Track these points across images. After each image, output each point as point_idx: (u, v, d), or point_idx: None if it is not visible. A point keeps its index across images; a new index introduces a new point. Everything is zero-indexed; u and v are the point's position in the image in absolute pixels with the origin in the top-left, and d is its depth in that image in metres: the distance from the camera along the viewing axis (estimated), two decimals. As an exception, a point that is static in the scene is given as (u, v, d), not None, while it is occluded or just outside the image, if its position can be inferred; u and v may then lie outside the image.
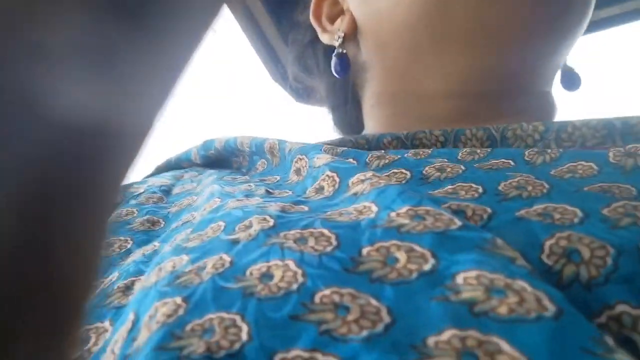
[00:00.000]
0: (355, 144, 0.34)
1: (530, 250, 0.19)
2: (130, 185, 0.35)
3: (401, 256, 0.18)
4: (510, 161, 0.26)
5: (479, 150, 0.27)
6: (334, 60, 0.42)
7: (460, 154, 0.28)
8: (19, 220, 0.07)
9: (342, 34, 0.41)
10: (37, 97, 0.07)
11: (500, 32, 0.32)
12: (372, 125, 0.41)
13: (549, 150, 0.26)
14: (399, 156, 0.29)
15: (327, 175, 0.25)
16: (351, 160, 0.28)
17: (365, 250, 0.19)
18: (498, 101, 0.35)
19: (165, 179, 0.35)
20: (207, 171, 0.35)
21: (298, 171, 0.29)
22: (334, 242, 0.19)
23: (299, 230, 0.20)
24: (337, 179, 0.25)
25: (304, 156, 0.29)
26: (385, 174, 0.27)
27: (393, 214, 0.20)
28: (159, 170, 0.41)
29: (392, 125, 0.38)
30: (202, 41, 0.09)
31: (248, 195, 0.26)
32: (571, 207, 0.20)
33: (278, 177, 0.30)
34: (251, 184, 0.29)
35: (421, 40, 0.35)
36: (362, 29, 0.40)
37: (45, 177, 0.07)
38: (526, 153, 0.26)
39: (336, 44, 0.42)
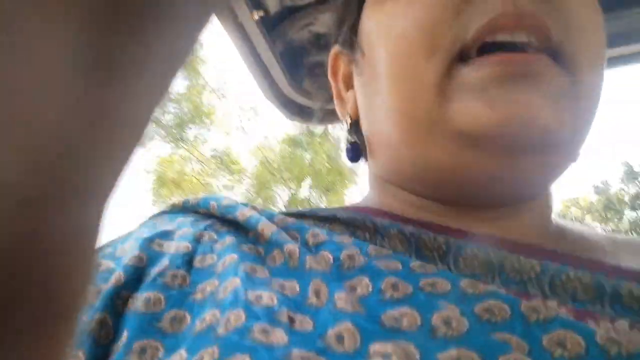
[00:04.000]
0: (361, 228, 0.35)
1: None
2: (158, 233, 0.34)
3: None
4: (506, 307, 0.26)
5: (480, 286, 0.28)
6: (347, 146, 0.42)
7: (462, 283, 0.28)
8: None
9: (349, 120, 0.42)
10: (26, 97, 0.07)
11: (480, 175, 0.33)
12: (371, 192, 0.42)
13: (544, 309, 0.26)
14: (402, 266, 0.30)
15: (348, 329, 0.25)
16: (367, 281, 0.29)
17: None
18: (490, 210, 0.36)
19: (186, 241, 0.33)
20: (225, 236, 0.34)
21: (317, 293, 0.28)
22: None
23: None
24: (358, 337, 0.25)
25: (323, 283, 0.28)
26: (399, 280, 0.28)
27: None
28: (174, 209, 0.39)
29: (390, 204, 0.39)
30: (190, 49, 0.09)
31: (269, 311, 0.26)
32: None
33: (297, 288, 0.29)
34: (273, 286, 0.28)
35: (405, 163, 0.36)
36: (362, 120, 0.41)
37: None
38: (523, 304, 0.26)
39: (345, 128, 0.43)
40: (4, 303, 0.08)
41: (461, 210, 0.36)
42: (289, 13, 0.63)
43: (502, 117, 0.30)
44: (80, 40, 0.07)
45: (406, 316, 0.26)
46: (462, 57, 0.33)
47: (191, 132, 8.77)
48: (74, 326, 0.09)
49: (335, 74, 0.44)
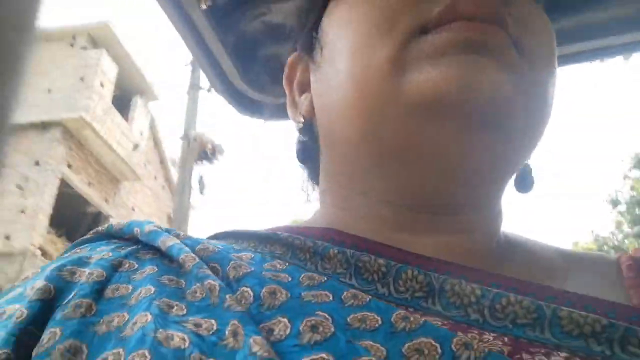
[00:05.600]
0: (301, 249, 0.34)
1: None
2: (70, 262, 0.31)
3: None
4: (437, 347, 0.26)
5: (412, 319, 0.27)
6: (296, 146, 0.42)
7: (394, 317, 0.27)
8: None
9: (302, 120, 0.41)
10: None
11: (432, 155, 0.33)
12: (321, 209, 0.41)
13: (475, 348, 0.26)
14: (332, 297, 0.29)
15: None
16: (285, 322, 0.27)
17: None
18: (439, 216, 0.35)
19: (101, 268, 0.31)
20: (147, 265, 0.32)
21: (235, 335, 0.26)
22: None
23: None
24: None
25: (240, 325, 0.26)
26: (320, 320, 0.27)
27: None
28: (98, 236, 0.37)
29: (337, 216, 0.38)
30: None
31: (178, 355, 0.24)
32: None
33: (215, 327, 0.27)
34: (187, 326, 0.26)
35: (362, 154, 0.35)
36: (318, 119, 0.40)
37: None
38: (454, 342, 0.26)
39: (297, 127, 0.42)
40: None
41: (412, 217, 0.35)
42: (239, 2, 0.59)
43: (459, 84, 0.30)
44: None
45: None
46: (421, 32, 0.32)
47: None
48: None
49: (290, 81, 0.44)
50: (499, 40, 0.31)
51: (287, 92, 0.44)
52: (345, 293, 0.29)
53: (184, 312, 0.28)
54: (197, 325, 0.26)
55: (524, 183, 0.40)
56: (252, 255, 0.33)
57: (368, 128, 0.34)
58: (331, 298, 0.29)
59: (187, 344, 0.25)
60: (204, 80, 7.08)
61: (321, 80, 0.39)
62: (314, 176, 0.44)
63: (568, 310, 0.28)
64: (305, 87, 0.42)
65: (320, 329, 0.27)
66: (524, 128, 0.34)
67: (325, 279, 0.31)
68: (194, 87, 7.24)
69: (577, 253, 0.40)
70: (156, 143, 13.00)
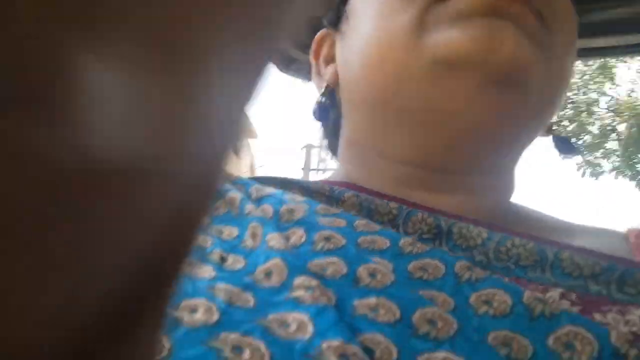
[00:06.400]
0: (318, 192, 0.36)
1: None
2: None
3: None
4: (442, 267, 0.27)
5: (419, 245, 0.29)
6: (314, 106, 0.43)
7: (402, 242, 0.29)
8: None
9: (325, 85, 0.43)
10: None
11: (450, 114, 0.34)
12: (340, 168, 0.43)
13: (477, 270, 0.27)
14: (346, 222, 0.30)
15: (277, 265, 0.26)
16: (301, 233, 0.29)
17: None
18: (454, 176, 0.36)
19: None
20: None
21: (254, 236, 0.28)
22: None
23: (238, 336, 0.22)
24: (285, 272, 0.25)
25: (259, 226, 0.29)
26: (333, 233, 0.29)
27: (325, 345, 0.22)
28: None
29: (355, 173, 0.39)
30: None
31: (200, 251, 0.27)
32: None
33: (236, 232, 0.29)
34: (210, 232, 0.29)
35: (381, 113, 0.36)
36: (341, 85, 0.41)
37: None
38: (457, 265, 0.27)
39: (319, 91, 0.44)
40: None
41: (427, 176, 0.36)
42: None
43: (481, 44, 0.31)
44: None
45: (332, 265, 0.27)
46: None
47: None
48: None
49: (317, 57, 0.46)
50: (522, 8, 0.32)
51: (313, 65, 0.46)
52: (357, 221, 0.31)
53: (207, 223, 0.29)
54: (219, 232, 0.29)
55: (566, 147, 0.41)
56: (274, 190, 0.35)
57: (389, 88, 0.35)
58: (344, 224, 0.30)
59: (208, 244, 0.27)
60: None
61: (346, 47, 0.40)
62: (332, 140, 0.46)
63: (570, 253, 0.29)
64: (330, 61, 0.44)
65: (333, 240, 0.28)
66: (540, 95, 0.34)
67: (340, 211, 0.33)
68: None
69: (587, 225, 0.41)
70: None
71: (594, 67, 6.43)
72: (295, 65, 0.67)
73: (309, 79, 0.70)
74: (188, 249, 0.09)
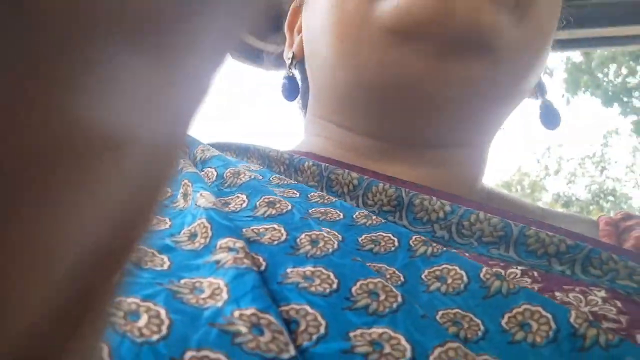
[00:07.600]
0: (277, 161, 0.34)
1: None
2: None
3: None
4: (395, 240, 0.26)
5: (374, 217, 0.27)
6: (282, 82, 0.42)
7: (356, 214, 0.27)
8: None
9: (291, 55, 0.41)
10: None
11: (408, 84, 0.31)
12: (304, 139, 0.41)
13: (434, 244, 0.26)
14: (299, 194, 0.29)
15: (202, 225, 0.24)
16: (243, 198, 0.27)
17: (188, 355, 0.18)
18: (419, 149, 0.35)
19: None
20: None
21: (185, 196, 0.26)
22: (164, 331, 0.19)
23: (136, 300, 0.19)
24: (210, 234, 0.23)
25: (190, 183, 0.27)
26: (279, 198, 0.27)
27: (237, 313, 0.20)
28: None
29: (319, 144, 0.38)
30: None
31: None
32: (406, 341, 0.20)
33: (170, 192, 0.27)
34: None
35: (342, 82, 0.35)
36: (306, 55, 0.40)
37: None
38: (413, 238, 0.26)
39: (287, 63, 0.42)
40: None
41: (391, 149, 0.35)
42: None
43: (434, 8, 0.28)
44: None
45: (270, 231, 0.25)
46: None
47: None
48: None
49: (291, 28, 0.44)
50: None
51: (287, 37, 0.44)
52: (312, 193, 0.29)
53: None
54: None
55: (549, 118, 0.38)
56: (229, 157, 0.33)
57: (345, 52, 0.33)
58: (297, 195, 0.29)
59: None
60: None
61: (307, 16, 0.39)
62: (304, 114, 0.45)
63: (535, 230, 0.28)
64: (300, 31, 0.42)
65: (277, 205, 0.26)
66: (514, 61, 0.32)
67: (295, 182, 0.31)
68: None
69: (559, 211, 0.40)
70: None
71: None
72: (254, 55, 0.66)
73: (269, 68, 0.69)
74: (141, 234, 0.09)
